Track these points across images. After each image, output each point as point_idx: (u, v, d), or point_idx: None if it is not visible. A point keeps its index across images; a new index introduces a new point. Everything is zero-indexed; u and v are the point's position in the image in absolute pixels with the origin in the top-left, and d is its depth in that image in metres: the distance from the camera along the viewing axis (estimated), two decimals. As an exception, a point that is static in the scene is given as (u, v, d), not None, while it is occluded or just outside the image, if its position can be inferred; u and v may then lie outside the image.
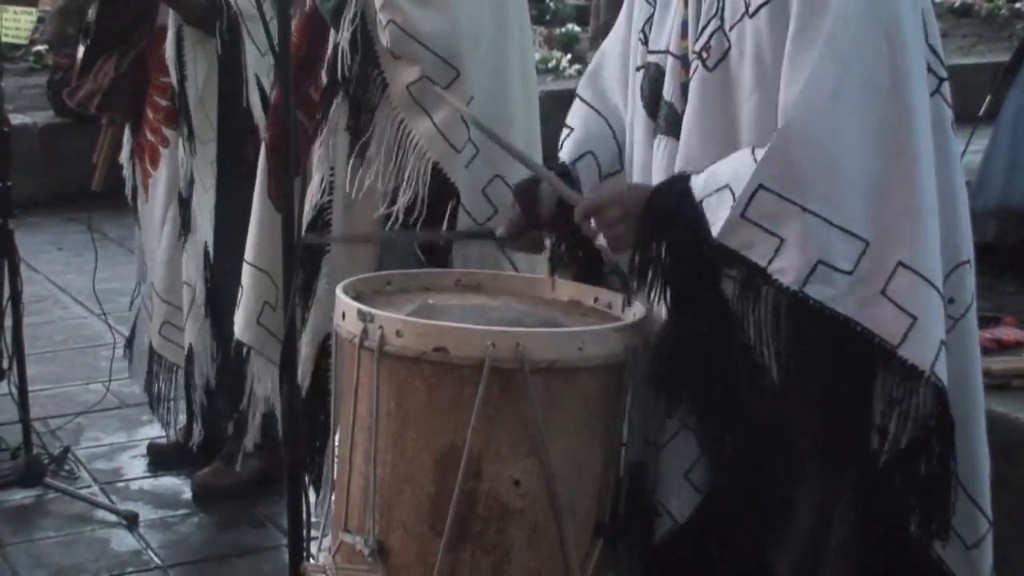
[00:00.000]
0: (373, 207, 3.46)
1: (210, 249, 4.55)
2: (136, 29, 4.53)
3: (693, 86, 2.59)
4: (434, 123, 3.35)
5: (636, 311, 2.75)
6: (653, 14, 2.76)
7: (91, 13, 4.60)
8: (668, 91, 2.69)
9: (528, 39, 3.68)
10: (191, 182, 4.53)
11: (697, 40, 2.59)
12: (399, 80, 3.35)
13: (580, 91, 3.02)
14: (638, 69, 2.81)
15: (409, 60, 3.33)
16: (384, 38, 3.33)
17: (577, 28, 12.17)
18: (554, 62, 11.14)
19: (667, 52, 2.69)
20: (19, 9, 11.41)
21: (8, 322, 4.75)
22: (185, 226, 4.61)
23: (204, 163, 4.50)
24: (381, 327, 2.61)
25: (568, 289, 2.98)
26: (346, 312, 2.71)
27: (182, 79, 4.43)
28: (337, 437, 2.88)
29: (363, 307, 2.66)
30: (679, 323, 2.58)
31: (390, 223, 3.44)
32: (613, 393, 2.68)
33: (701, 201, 2.47)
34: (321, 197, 3.53)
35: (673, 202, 2.52)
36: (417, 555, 2.64)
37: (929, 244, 2.43)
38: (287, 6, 2.71)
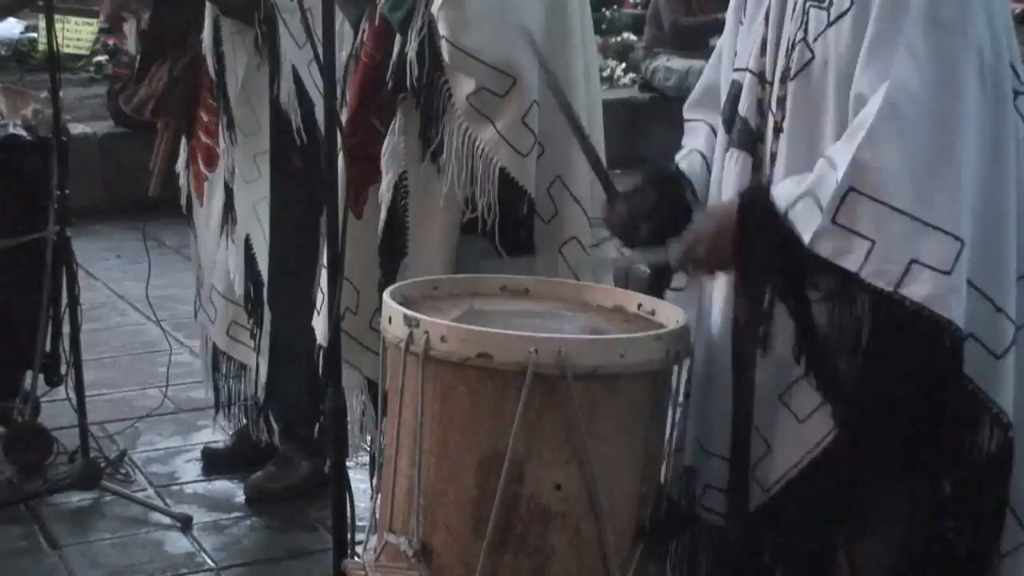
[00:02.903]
0: (448, 211, 3.51)
1: (252, 243, 4.58)
2: (188, 35, 4.58)
3: (787, 101, 2.63)
4: (497, 130, 3.39)
5: (678, 318, 2.79)
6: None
7: (145, 20, 4.64)
8: (744, 106, 2.74)
9: (592, 45, 3.72)
10: (233, 172, 4.57)
11: (781, 57, 2.64)
12: (460, 91, 3.39)
13: (685, 114, 3.07)
14: None
15: (465, 72, 3.38)
16: (443, 52, 3.38)
17: (633, 37, 12.17)
18: (608, 71, 11.15)
19: (746, 69, 2.75)
20: (80, 20, 11.53)
21: (66, 328, 4.82)
22: (228, 217, 4.64)
23: (246, 156, 4.50)
24: (426, 332, 2.66)
25: (612, 295, 3.01)
26: (392, 317, 2.76)
27: (220, 69, 4.46)
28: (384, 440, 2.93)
29: (409, 312, 2.71)
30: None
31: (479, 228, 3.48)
32: (654, 399, 2.72)
33: (786, 212, 2.49)
34: (394, 199, 3.58)
35: (761, 219, 2.55)
36: (459, 556, 2.68)
37: (982, 245, 2.46)
38: (332, 9, 2.75)
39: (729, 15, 2.90)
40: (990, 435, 2.51)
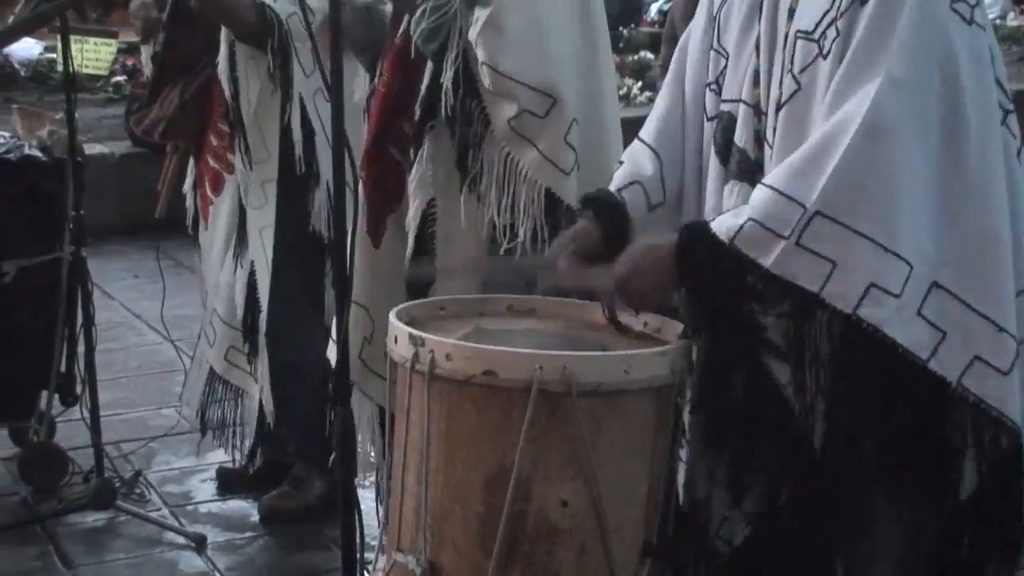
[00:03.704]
0: (476, 238, 3.53)
1: (256, 269, 4.60)
2: (201, 59, 4.61)
3: (777, 129, 2.65)
4: (539, 151, 3.41)
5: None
6: (726, 65, 2.83)
7: (158, 43, 4.67)
8: (740, 138, 2.76)
9: (611, 64, 3.74)
10: (248, 196, 4.60)
11: (775, 88, 2.66)
12: (500, 116, 3.42)
13: (641, 133, 3.07)
14: (711, 119, 2.87)
15: (507, 97, 3.39)
16: (484, 78, 3.40)
17: (650, 55, 12.19)
18: (625, 89, 11.17)
19: (740, 100, 2.76)
20: (99, 40, 11.60)
21: (82, 348, 4.84)
22: (241, 242, 4.68)
23: (255, 182, 4.55)
24: (431, 351, 2.67)
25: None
26: (398, 336, 2.77)
27: (235, 93, 4.49)
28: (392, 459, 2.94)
29: (414, 331, 2.73)
30: (719, 363, 2.67)
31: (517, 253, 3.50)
32: (660, 415, 2.72)
33: (732, 241, 2.52)
34: (422, 227, 3.59)
35: (706, 252, 2.57)
36: (467, 574, 2.68)
37: (974, 268, 2.49)
38: (340, 33, 2.76)
39: (694, 36, 2.92)
40: (1001, 444, 2.55)
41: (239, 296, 4.67)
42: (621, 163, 3.03)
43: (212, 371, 4.89)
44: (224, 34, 4.49)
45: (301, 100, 4.42)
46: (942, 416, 2.53)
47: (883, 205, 2.44)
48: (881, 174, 2.44)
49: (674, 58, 3.01)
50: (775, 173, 2.53)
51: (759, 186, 2.55)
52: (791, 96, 2.60)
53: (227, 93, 4.52)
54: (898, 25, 2.46)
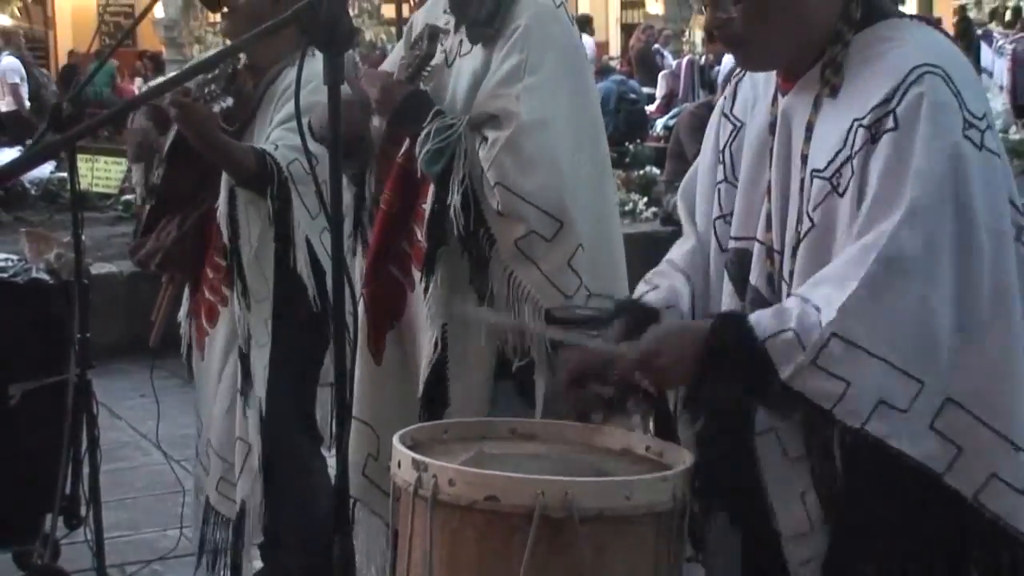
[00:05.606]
0: (486, 360, 3.54)
1: (262, 406, 4.59)
2: (199, 193, 4.63)
3: (795, 271, 2.68)
4: (542, 272, 3.45)
5: (686, 459, 2.79)
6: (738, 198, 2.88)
7: (157, 175, 4.69)
8: (755, 276, 2.80)
9: (615, 187, 3.79)
10: (248, 338, 4.60)
11: (790, 230, 2.70)
12: (507, 236, 3.45)
13: (670, 255, 3.09)
14: (724, 251, 2.91)
15: (516, 218, 3.42)
16: (493, 200, 3.42)
17: (656, 170, 12.29)
18: (631, 205, 11.25)
19: (755, 239, 2.80)
20: (109, 159, 11.73)
21: (86, 469, 4.83)
22: (246, 381, 4.66)
23: (258, 321, 4.55)
24: (434, 476, 2.66)
25: (621, 437, 3.02)
26: (401, 461, 2.77)
27: (234, 236, 4.50)
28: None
29: (417, 456, 2.72)
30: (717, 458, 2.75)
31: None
32: (662, 541, 2.71)
33: (764, 341, 2.53)
34: (434, 352, 3.60)
35: (734, 342, 2.58)
36: None
37: (990, 386, 2.52)
38: (339, 163, 2.79)
39: (701, 172, 2.98)
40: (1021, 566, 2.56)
41: (255, 437, 4.62)
42: (654, 286, 3.01)
43: (207, 500, 4.87)
44: (225, 178, 4.50)
45: (308, 242, 4.43)
46: (958, 529, 2.55)
47: (895, 329, 2.48)
48: (896, 303, 2.47)
49: (681, 194, 3.05)
50: (806, 287, 2.56)
51: (794, 297, 2.57)
52: (806, 234, 2.64)
53: (224, 236, 4.54)
54: (913, 158, 2.49)
